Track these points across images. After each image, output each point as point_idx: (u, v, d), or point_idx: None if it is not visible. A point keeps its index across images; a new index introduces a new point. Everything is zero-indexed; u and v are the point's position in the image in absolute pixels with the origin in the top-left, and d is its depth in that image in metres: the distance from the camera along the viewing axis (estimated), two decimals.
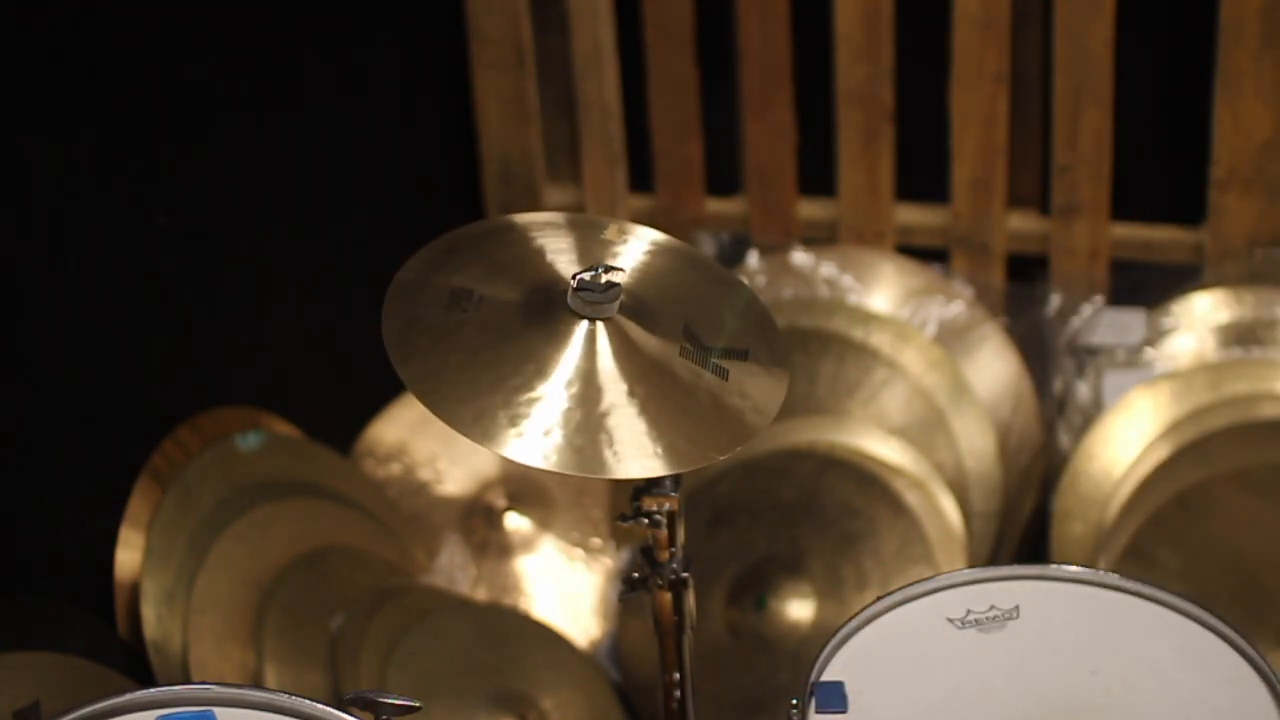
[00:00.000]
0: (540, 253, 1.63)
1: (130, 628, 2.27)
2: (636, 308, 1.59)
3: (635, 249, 1.67)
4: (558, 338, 1.55)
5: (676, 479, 1.70)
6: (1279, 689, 1.56)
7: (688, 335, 1.59)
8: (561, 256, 1.63)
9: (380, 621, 2.45)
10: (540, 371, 1.53)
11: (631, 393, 1.53)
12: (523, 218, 1.70)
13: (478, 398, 1.50)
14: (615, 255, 1.65)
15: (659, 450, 1.50)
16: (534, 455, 1.48)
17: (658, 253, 1.68)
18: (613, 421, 1.51)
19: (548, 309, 1.56)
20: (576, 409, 1.51)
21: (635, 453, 1.50)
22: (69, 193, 2.24)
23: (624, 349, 1.55)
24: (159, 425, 2.37)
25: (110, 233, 2.31)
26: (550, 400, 1.51)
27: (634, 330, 1.57)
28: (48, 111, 2.19)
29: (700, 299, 1.66)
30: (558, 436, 1.49)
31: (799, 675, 1.60)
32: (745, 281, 2.19)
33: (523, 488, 2.81)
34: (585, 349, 1.55)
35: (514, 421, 1.49)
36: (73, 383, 2.28)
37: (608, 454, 1.49)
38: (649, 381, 1.54)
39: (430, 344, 1.53)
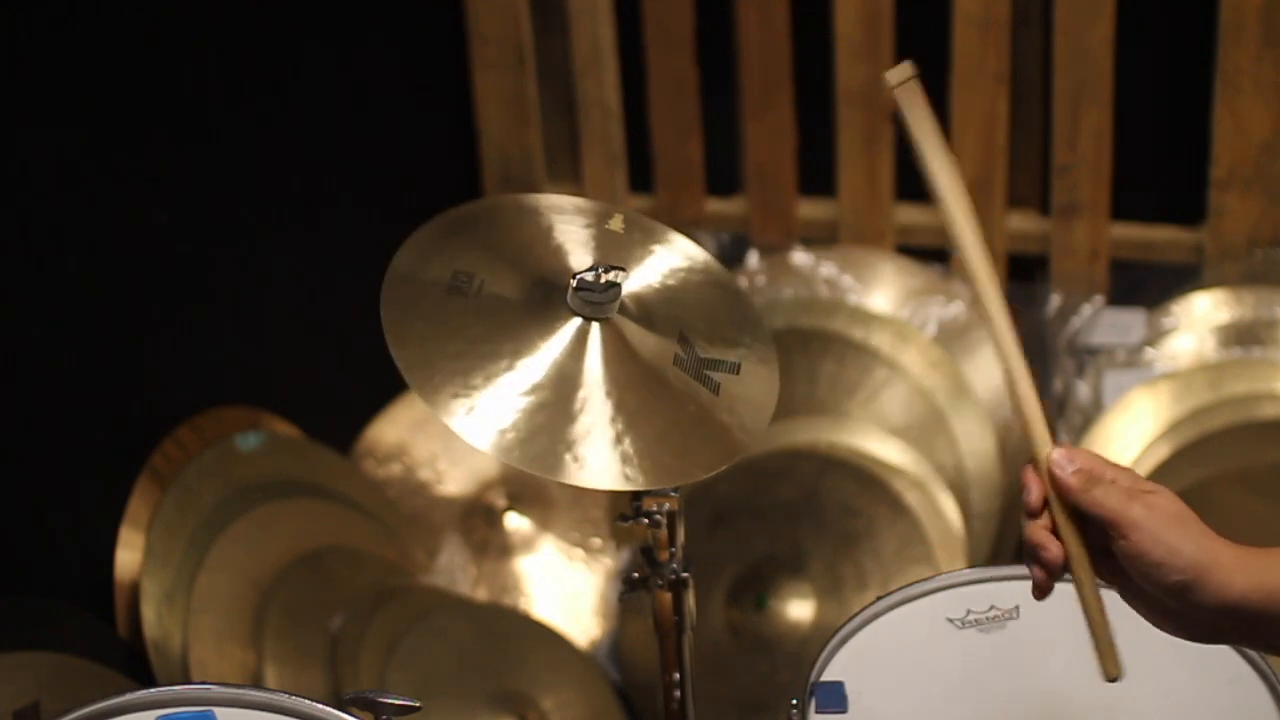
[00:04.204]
0: (545, 238, 1.61)
1: (130, 628, 2.27)
2: (636, 309, 1.57)
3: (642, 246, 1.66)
4: (553, 335, 1.53)
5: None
6: (1279, 689, 1.57)
7: (683, 342, 1.58)
8: (568, 245, 1.61)
9: (380, 621, 2.45)
10: (529, 366, 1.51)
11: (620, 402, 1.51)
12: (532, 199, 1.68)
13: (471, 392, 1.48)
14: (622, 250, 1.63)
15: (634, 468, 1.48)
16: (496, 444, 1.46)
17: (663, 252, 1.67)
18: (591, 430, 1.49)
19: (547, 303, 1.55)
20: (557, 410, 1.49)
21: (614, 465, 1.48)
22: (69, 193, 2.24)
23: (617, 353, 1.53)
24: (159, 425, 2.37)
25: (110, 233, 2.31)
26: (529, 395, 1.49)
27: (631, 333, 1.55)
28: (47, 111, 2.19)
29: (699, 305, 1.65)
30: (537, 434, 1.47)
31: (799, 675, 1.60)
32: (743, 287, 2.19)
33: (523, 488, 2.81)
34: (574, 350, 1.53)
35: (508, 420, 1.48)
36: (73, 383, 2.28)
37: (583, 458, 1.47)
38: (639, 389, 1.52)
39: (428, 329, 1.52)
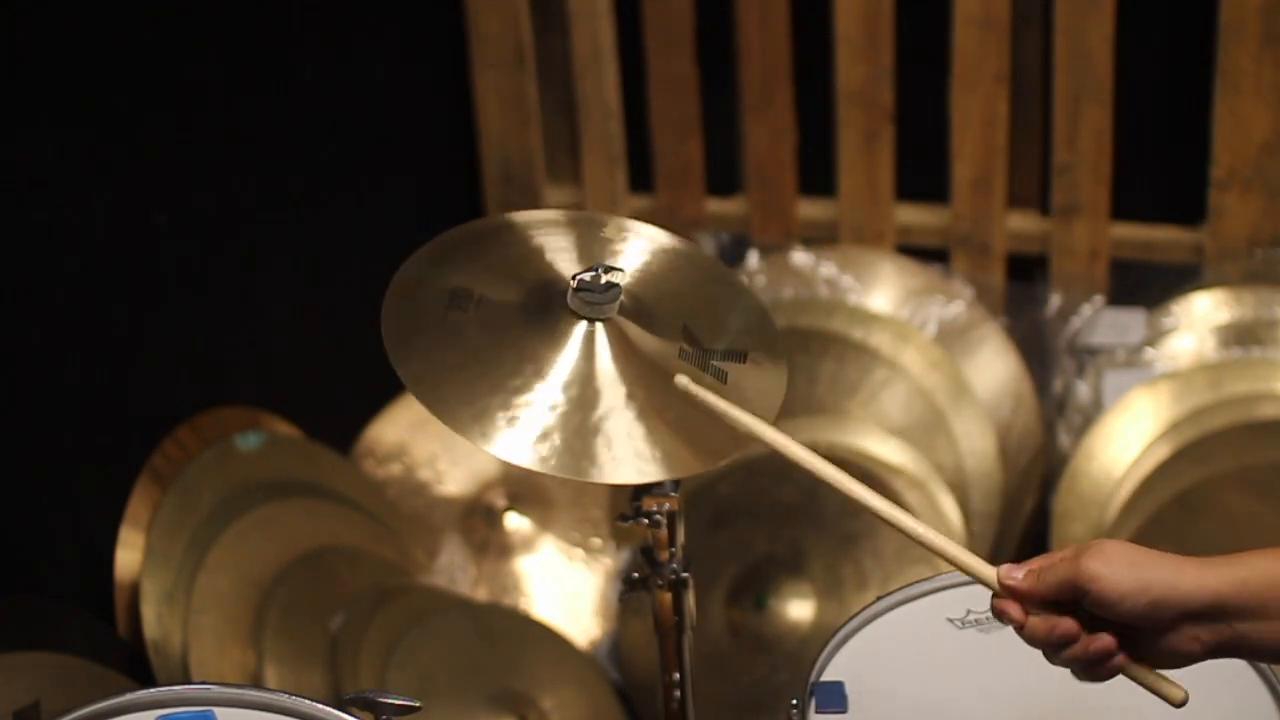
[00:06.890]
0: (540, 252, 1.63)
1: (130, 628, 2.27)
2: (636, 308, 1.58)
3: (637, 248, 1.67)
4: (557, 338, 1.54)
5: (676, 479, 1.70)
6: (1279, 689, 1.56)
7: (687, 336, 1.59)
8: (562, 255, 1.62)
9: (380, 621, 2.45)
10: (539, 373, 1.52)
11: (630, 396, 1.52)
12: (522, 216, 1.70)
13: (477, 399, 1.49)
14: (616, 254, 1.64)
15: (657, 455, 1.49)
16: (530, 458, 1.47)
17: (658, 252, 1.68)
18: (610, 425, 1.50)
19: (547, 309, 1.56)
20: (575, 412, 1.50)
21: (632, 457, 1.49)
22: (69, 193, 2.24)
23: (623, 351, 1.54)
24: (159, 425, 2.37)
25: (109, 233, 2.31)
26: (549, 403, 1.50)
27: (633, 331, 1.56)
28: (47, 111, 2.19)
29: (700, 299, 1.66)
30: (555, 439, 1.48)
31: (799, 675, 1.60)
32: (745, 281, 2.19)
33: (523, 488, 2.81)
34: (584, 350, 1.54)
35: (512, 423, 1.48)
36: (73, 383, 2.28)
37: (605, 457, 1.48)
38: (648, 384, 1.53)
39: (430, 344, 1.53)
